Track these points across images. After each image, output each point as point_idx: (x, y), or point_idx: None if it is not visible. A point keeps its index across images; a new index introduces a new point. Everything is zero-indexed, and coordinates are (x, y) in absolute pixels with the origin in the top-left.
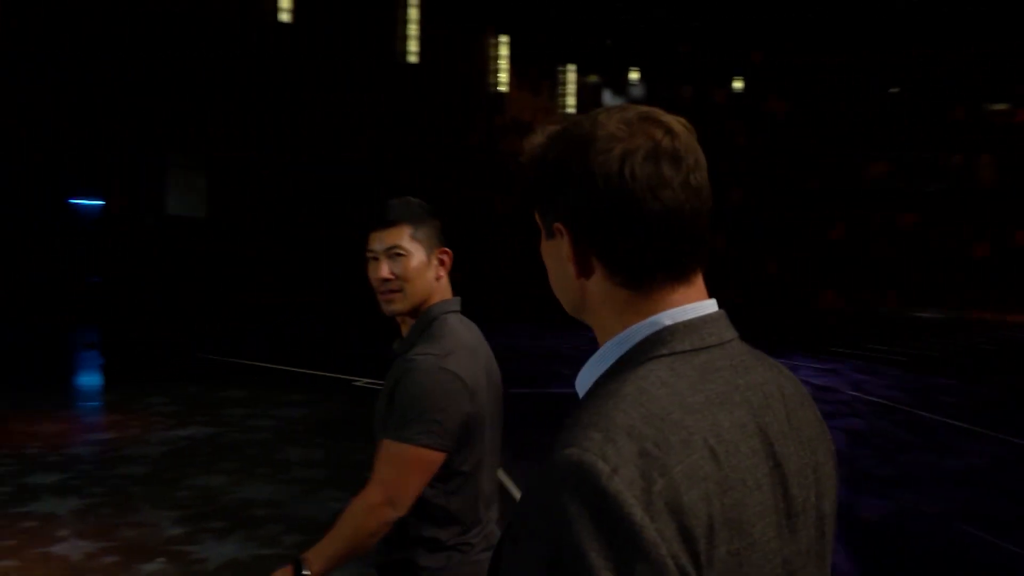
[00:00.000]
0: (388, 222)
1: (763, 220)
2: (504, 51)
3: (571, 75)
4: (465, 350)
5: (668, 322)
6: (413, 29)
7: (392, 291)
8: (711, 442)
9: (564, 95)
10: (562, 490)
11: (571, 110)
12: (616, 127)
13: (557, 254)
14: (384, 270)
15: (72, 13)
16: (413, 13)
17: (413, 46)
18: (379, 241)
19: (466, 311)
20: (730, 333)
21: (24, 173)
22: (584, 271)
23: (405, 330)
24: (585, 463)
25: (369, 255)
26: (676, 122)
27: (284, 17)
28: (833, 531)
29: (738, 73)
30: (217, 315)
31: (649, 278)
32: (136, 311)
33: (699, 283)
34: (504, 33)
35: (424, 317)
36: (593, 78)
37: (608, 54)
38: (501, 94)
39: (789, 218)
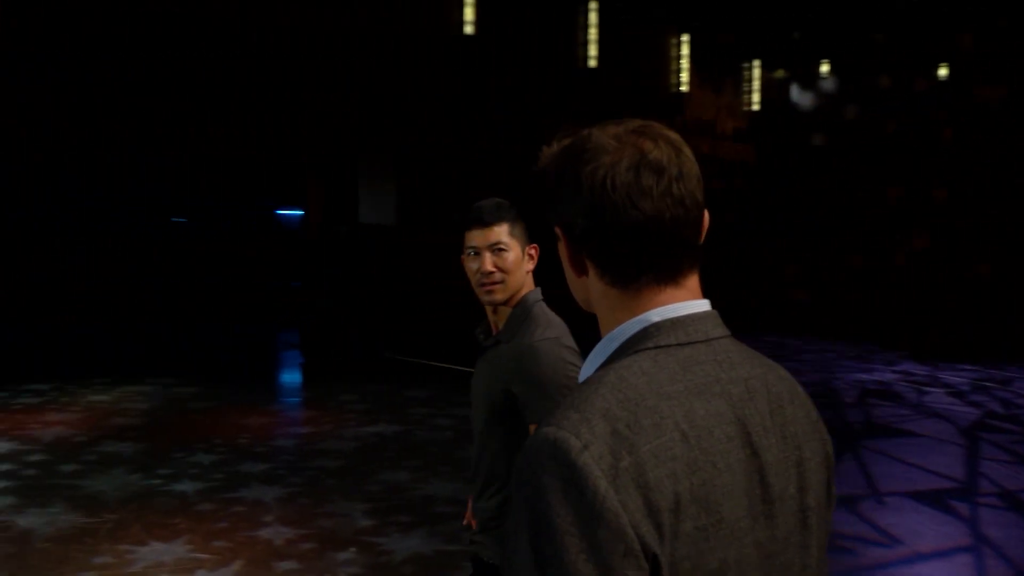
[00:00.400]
0: (489, 221)
1: (971, 220)
2: (685, 50)
3: (756, 71)
4: (567, 332)
5: (656, 319)
6: (593, 34)
7: (495, 283)
8: (683, 426)
9: (749, 92)
10: (539, 463)
11: (756, 107)
12: (607, 141)
13: (561, 255)
14: (488, 263)
15: (262, 36)
16: (593, 18)
17: (592, 51)
18: (481, 238)
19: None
20: (718, 331)
21: (237, 189)
22: (580, 271)
23: (499, 319)
24: (559, 439)
25: (468, 251)
26: (665, 136)
27: (468, 29)
28: (824, 526)
29: (943, 59)
30: (404, 318)
31: (636, 279)
32: (332, 315)
33: (690, 284)
34: (685, 32)
35: (522, 305)
36: (780, 73)
37: (796, 47)
38: (682, 94)
39: (1000, 217)
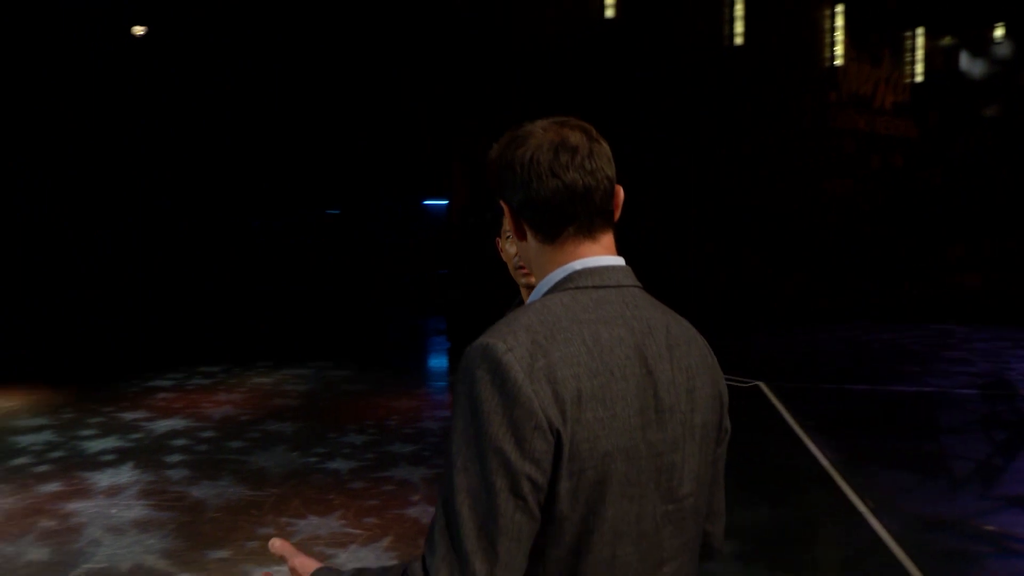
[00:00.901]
0: None
1: None
2: (840, 21)
3: (919, 39)
4: None
5: (578, 267)
6: (739, 10)
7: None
8: (589, 343)
9: (911, 62)
10: (474, 361)
11: (919, 78)
12: (534, 130)
13: (508, 225)
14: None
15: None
16: None
17: (739, 27)
18: None
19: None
20: (629, 281)
21: (388, 180)
22: (522, 236)
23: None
24: (490, 344)
25: (507, 233)
26: (581, 125)
27: (609, 13)
28: (715, 442)
29: None
30: None
31: (560, 235)
32: (477, 301)
33: (605, 241)
34: (840, 2)
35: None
36: (947, 40)
37: (965, 11)
38: (836, 68)
39: None
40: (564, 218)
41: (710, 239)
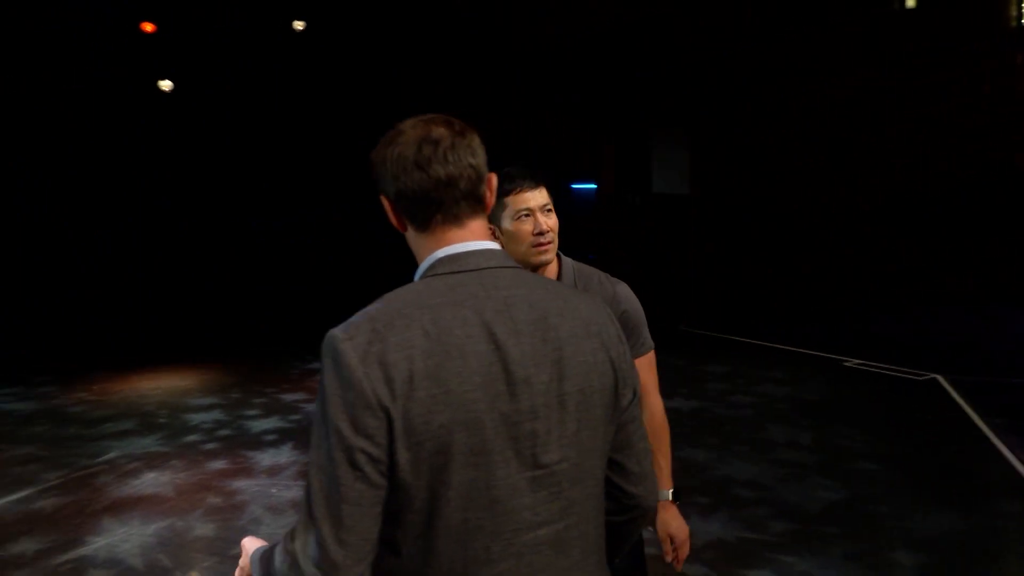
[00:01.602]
0: (539, 182)
1: None
2: None
3: None
4: None
5: (440, 255)
6: None
7: (548, 243)
8: (427, 326)
9: None
10: (324, 351)
11: None
12: (404, 128)
13: (390, 219)
14: (544, 223)
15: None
16: None
17: None
18: (533, 199)
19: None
20: (493, 263)
21: (537, 164)
22: (402, 227)
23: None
24: (334, 334)
25: (521, 213)
26: (447, 120)
27: None
28: (609, 407)
29: None
30: (700, 289)
31: (429, 223)
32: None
33: (474, 227)
34: None
35: (567, 262)
36: None
37: None
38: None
39: None
40: (431, 207)
41: (874, 220)
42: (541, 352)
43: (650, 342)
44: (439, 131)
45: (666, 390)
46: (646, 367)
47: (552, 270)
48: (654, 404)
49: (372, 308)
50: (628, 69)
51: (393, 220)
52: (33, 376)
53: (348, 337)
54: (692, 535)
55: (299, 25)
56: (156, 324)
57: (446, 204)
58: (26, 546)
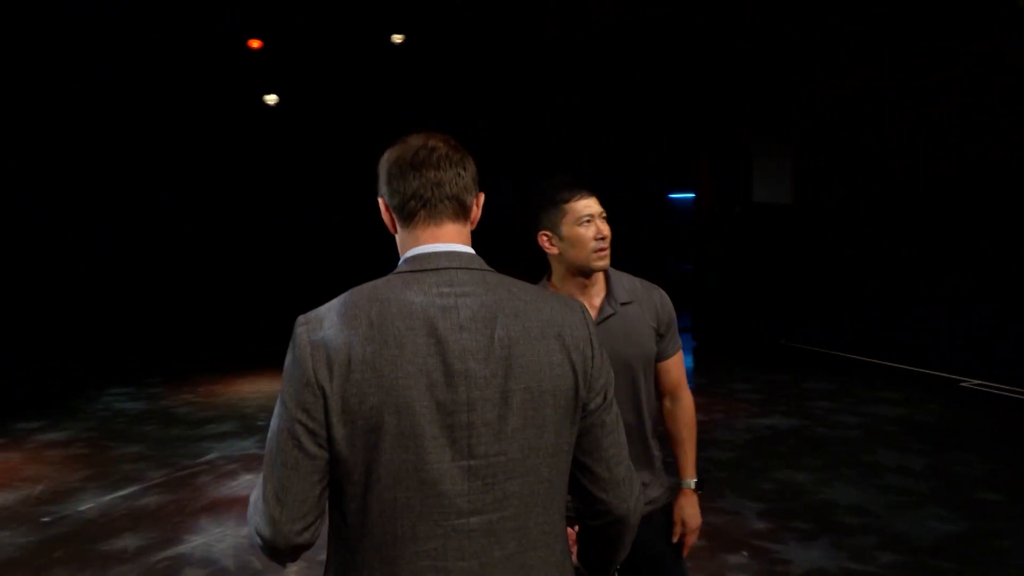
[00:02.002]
0: (592, 191)
1: None
2: None
3: None
4: None
5: (410, 255)
6: None
7: (607, 248)
8: (372, 318)
9: None
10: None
11: None
12: (409, 137)
13: (384, 219)
14: (604, 229)
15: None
16: None
17: None
18: (594, 206)
19: None
20: (455, 264)
21: (632, 173)
22: (393, 228)
23: (593, 286)
24: (298, 320)
25: (583, 219)
26: (443, 137)
27: None
28: (568, 409)
29: None
30: (802, 303)
31: (412, 221)
32: (724, 298)
33: (451, 231)
34: None
35: (611, 269)
36: None
37: None
38: None
39: None
40: (417, 203)
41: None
42: (486, 348)
43: (680, 342)
44: (437, 143)
45: (765, 407)
46: (678, 364)
47: (601, 276)
48: (686, 398)
49: (336, 299)
50: (729, 78)
51: (386, 221)
52: (145, 377)
53: (305, 323)
54: (790, 562)
55: (271, 99)
56: (256, 329)
57: (431, 202)
58: (128, 542)
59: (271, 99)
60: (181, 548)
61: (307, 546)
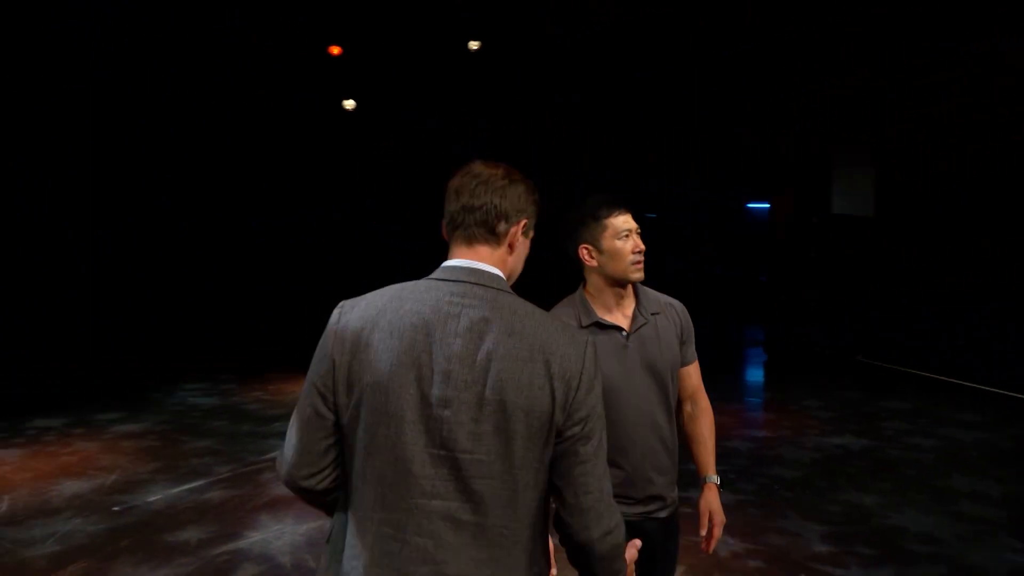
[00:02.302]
0: (628, 208)
1: None
2: None
3: None
4: None
5: (444, 264)
6: None
7: (642, 261)
8: (389, 311)
9: None
10: None
11: None
12: (469, 165)
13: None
14: (640, 243)
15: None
16: None
17: None
18: (631, 222)
19: None
20: (472, 279)
21: (710, 183)
22: (445, 237)
23: (627, 297)
24: (340, 303)
25: (622, 233)
26: (496, 165)
27: None
28: (543, 432)
29: None
30: (881, 318)
31: (452, 238)
32: (800, 311)
33: (482, 251)
34: None
35: (637, 284)
36: None
37: None
38: None
39: None
40: (455, 225)
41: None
42: (471, 357)
43: (695, 351)
44: (483, 170)
45: (836, 425)
46: (696, 371)
47: (631, 289)
48: (705, 401)
49: (377, 290)
50: (807, 80)
51: (444, 234)
52: (218, 374)
53: (340, 307)
54: None
55: (349, 105)
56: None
57: (464, 225)
58: (191, 534)
59: (349, 104)
60: (240, 543)
61: (316, 492)
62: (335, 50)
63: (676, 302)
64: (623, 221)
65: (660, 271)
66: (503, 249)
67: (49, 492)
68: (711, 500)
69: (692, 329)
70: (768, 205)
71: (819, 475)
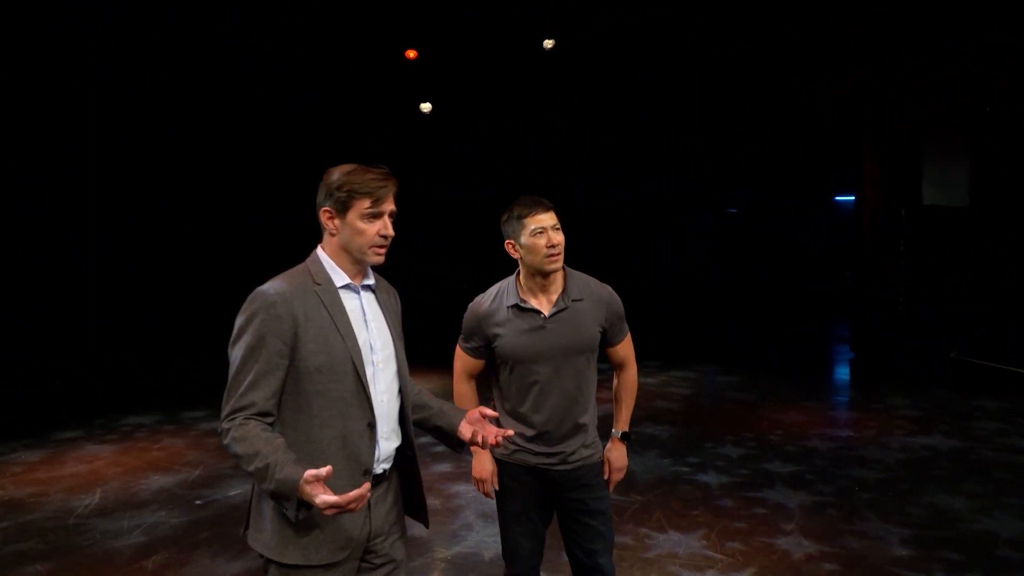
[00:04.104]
0: (548, 207)
1: None
2: None
3: None
4: None
5: None
6: None
7: (558, 254)
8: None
9: None
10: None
11: None
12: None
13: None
14: (554, 239)
15: None
16: None
17: None
18: (546, 220)
19: None
20: None
21: (793, 176)
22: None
23: (552, 284)
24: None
25: (537, 231)
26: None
27: None
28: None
29: None
30: (976, 313)
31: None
32: (888, 307)
33: None
34: None
35: (570, 271)
36: None
37: None
38: None
39: None
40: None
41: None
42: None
43: (627, 329)
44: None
45: (924, 425)
46: (626, 346)
47: (559, 277)
48: (631, 370)
49: None
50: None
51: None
52: None
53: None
54: None
55: (426, 107)
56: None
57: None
58: None
59: (426, 107)
60: None
61: None
62: (411, 54)
63: (606, 288)
64: (539, 220)
65: (740, 265)
66: (324, 234)
67: (138, 486)
68: (612, 450)
69: (621, 313)
70: (853, 198)
71: (903, 477)
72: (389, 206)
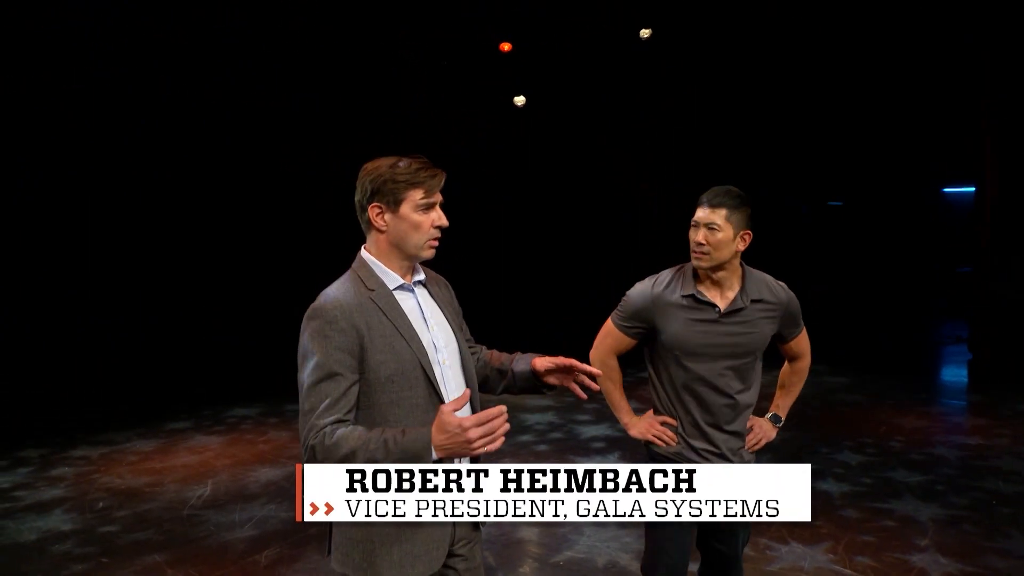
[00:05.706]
0: (713, 204)
1: None
2: None
3: None
4: None
5: None
6: None
7: (705, 253)
8: None
9: None
10: None
11: None
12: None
13: None
14: (701, 236)
15: None
16: None
17: None
18: (704, 217)
19: None
20: None
21: (900, 165)
22: None
23: (726, 281)
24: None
25: (693, 223)
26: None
27: None
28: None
29: None
30: None
31: None
32: (1012, 304)
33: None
34: None
35: (747, 267)
36: None
37: None
38: None
39: None
40: None
41: None
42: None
43: (802, 325)
44: None
45: None
46: (800, 340)
47: (736, 274)
48: (805, 359)
49: None
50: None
51: None
52: None
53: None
54: None
55: (520, 101)
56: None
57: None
58: None
59: (519, 100)
60: None
61: None
62: (505, 47)
63: (784, 292)
64: (697, 215)
65: (845, 261)
66: (371, 233)
67: (247, 478)
68: (763, 423)
69: (797, 313)
70: (973, 189)
71: None
72: (439, 196)
